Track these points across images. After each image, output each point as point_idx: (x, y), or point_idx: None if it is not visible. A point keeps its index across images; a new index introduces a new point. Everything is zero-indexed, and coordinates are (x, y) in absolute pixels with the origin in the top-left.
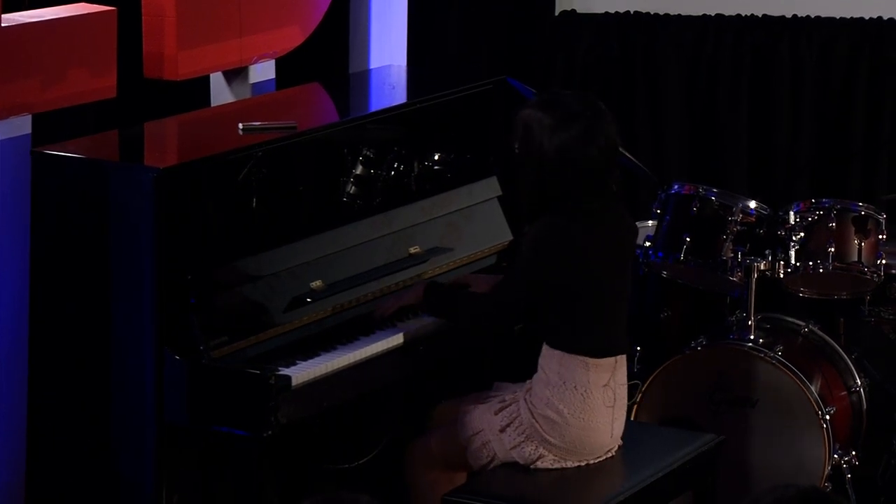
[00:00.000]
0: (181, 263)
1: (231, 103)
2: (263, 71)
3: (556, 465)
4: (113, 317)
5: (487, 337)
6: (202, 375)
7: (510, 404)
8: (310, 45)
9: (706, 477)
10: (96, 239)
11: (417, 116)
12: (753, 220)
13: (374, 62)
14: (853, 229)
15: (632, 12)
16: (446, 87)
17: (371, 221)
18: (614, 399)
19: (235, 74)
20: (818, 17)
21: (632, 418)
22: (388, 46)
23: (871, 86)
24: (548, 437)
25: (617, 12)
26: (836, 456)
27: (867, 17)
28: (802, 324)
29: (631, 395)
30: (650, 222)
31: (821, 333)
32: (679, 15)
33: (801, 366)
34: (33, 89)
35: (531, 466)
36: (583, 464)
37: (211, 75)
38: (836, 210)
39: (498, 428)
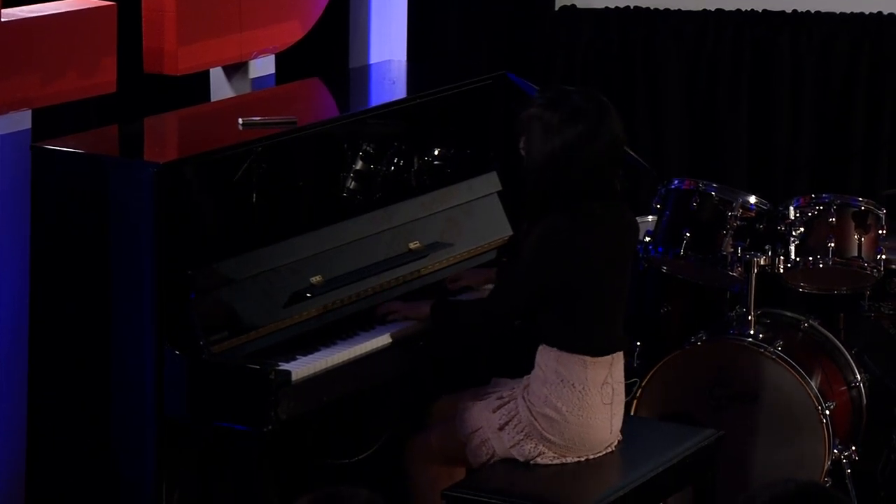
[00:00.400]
0: (181, 259)
1: (231, 98)
2: (263, 66)
3: (556, 461)
4: (113, 312)
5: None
6: (202, 371)
7: (508, 402)
8: (310, 41)
9: (706, 472)
10: (96, 234)
11: (417, 112)
12: (753, 215)
13: (374, 57)
14: (853, 224)
15: (632, 7)
16: (446, 82)
17: (371, 217)
18: (612, 396)
19: (235, 69)
20: (818, 13)
21: (632, 413)
22: (388, 41)
23: (871, 81)
24: (547, 435)
25: (617, 7)
26: (835, 451)
27: (867, 13)
28: (802, 319)
29: (629, 393)
30: (650, 217)
31: (821, 329)
32: (679, 10)
33: (801, 361)
34: (33, 84)
35: (531, 462)
36: (582, 459)
37: (211, 70)
38: (836, 205)
39: (497, 426)
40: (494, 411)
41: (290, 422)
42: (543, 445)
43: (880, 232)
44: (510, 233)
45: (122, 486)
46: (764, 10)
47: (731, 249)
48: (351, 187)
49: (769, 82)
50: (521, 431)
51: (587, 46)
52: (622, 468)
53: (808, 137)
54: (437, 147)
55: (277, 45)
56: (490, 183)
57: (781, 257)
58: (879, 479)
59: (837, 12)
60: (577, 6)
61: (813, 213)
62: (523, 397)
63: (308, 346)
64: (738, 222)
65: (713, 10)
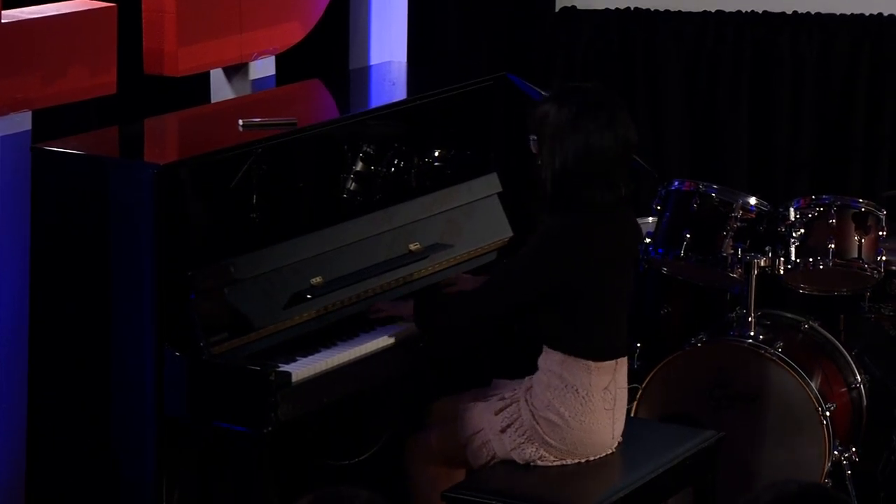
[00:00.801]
0: (181, 260)
1: (231, 100)
2: (263, 67)
3: (556, 463)
4: (113, 313)
5: (486, 334)
6: (202, 372)
7: (511, 404)
8: (310, 42)
9: (706, 473)
10: (96, 235)
11: (417, 113)
12: (753, 216)
13: (375, 58)
14: (853, 226)
15: (632, 8)
16: (446, 83)
17: (371, 218)
18: (614, 402)
19: (235, 71)
20: (818, 14)
21: (632, 415)
22: (388, 43)
23: (871, 82)
24: (548, 439)
25: (617, 8)
26: (836, 452)
27: (867, 14)
28: (802, 320)
29: (630, 398)
30: (650, 219)
31: (821, 330)
32: (679, 11)
33: (801, 362)
34: (33, 85)
35: (531, 464)
36: (583, 461)
37: (211, 71)
38: (836, 206)
39: (498, 428)
40: (496, 413)
41: (290, 423)
42: (544, 449)
43: (880, 233)
44: (510, 234)
45: (122, 486)
46: (764, 12)
47: (732, 251)
48: (351, 188)
49: (769, 83)
50: (523, 434)
51: (587, 47)
52: (622, 469)
53: (809, 139)
54: (438, 148)
55: (278, 47)
56: (490, 184)
57: (782, 258)
58: (880, 480)
59: (838, 13)
60: (578, 7)
61: (813, 215)
62: (526, 400)
63: (308, 347)
64: (739, 223)
65: (713, 11)
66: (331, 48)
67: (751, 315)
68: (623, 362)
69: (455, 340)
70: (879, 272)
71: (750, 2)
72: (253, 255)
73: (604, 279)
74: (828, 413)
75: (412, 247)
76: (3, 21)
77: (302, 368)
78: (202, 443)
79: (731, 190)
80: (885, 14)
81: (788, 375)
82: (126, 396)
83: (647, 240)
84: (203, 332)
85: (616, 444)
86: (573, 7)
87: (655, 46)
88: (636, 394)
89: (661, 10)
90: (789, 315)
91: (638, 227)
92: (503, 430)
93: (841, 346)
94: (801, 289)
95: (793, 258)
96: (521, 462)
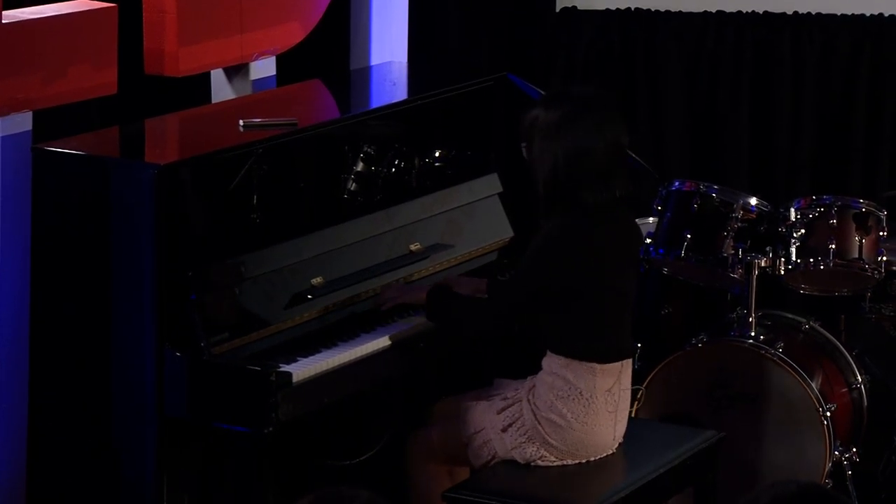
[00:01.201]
0: (182, 260)
1: (232, 100)
2: (264, 67)
3: (557, 463)
4: (113, 313)
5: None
6: (203, 372)
7: (513, 404)
8: (311, 42)
9: (707, 473)
10: (97, 235)
11: (418, 113)
12: (754, 216)
13: (375, 59)
14: (854, 226)
15: (632, 8)
16: (447, 83)
17: (372, 218)
18: (617, 403)
19: (236, 71)
20: (819, 14)
21: (632, 415)
22: (388, 43)
23: (872, 82)
24: (550, 440)
25: (618, 8)
26: (836, 453)
27: (868, 14)
28: (803, 320)
29: (631, 400)
30: (651, 219)
31: (821, 330)
32: (680, 11)
33: (801, 362)
34: (34, 85)
35: (531, 464)
36: (583, 461)
37: (211, 72)
38: (836, 207)
39: (500, 427)
40: (498, 413)
41: (290, 423)
42: (545, 449)
43: (881, 233)
44: (511, 234)
45: (123, 485)
46: (765, 12)
47: (732, 251)
48: (352, 189)
49: (770, 84)
50: (524, 434)
51: (588, 48)
52: (623, 469)
53: (809, 139)
54: (438, 149)
55: (278, 47)
56: (491, 184)
57: (782, 259)
58: (880, 481)
59: (838, 14)
60: (578, 7)
61: (814, 215)
62: (528, 400)
63: (309, 347)
64: (739, 224)
65: (714, 11)
66: (331, 48)
67: (751, 315)
68: (628, 364)
69: (458, 335)
70: (880, 272)
71: (750, 2)
72: (254, 256)
73: (605, 280)
74: (828, 413)
75: (413, 247)
76: (3, 21)
77: (303, 368)
78: (203, 443)
79: (731, 190)
80: (886, 14)
81: (789, 376)
82: (127, 396)
83: (648, 240)
84: (203, 332)
85: (617, 445)
86: (574, 7)
87: (656, 47)
88: (637, 395)
89: (662, 10)
90: (790, 315)
91: (638, 229)
92: (504, 430)
93: (841, 347)
94: (802, 289)
95: (793, 258)
96: (521, 462)
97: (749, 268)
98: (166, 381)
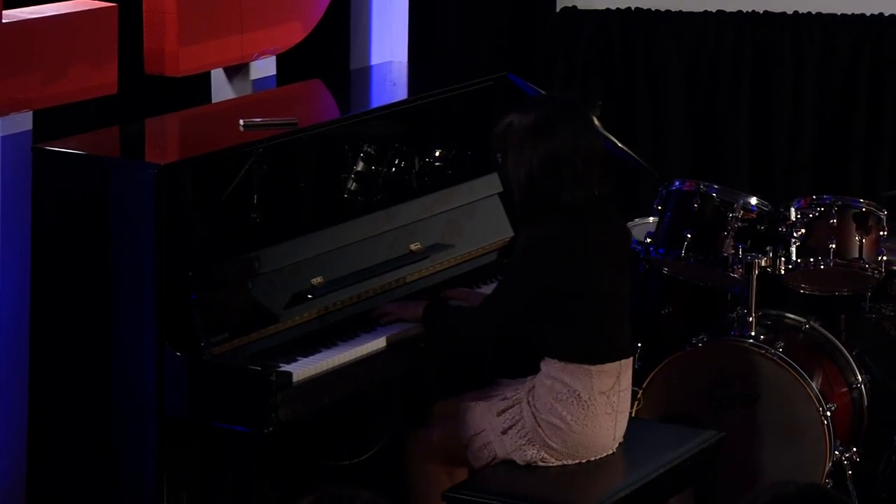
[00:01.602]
0: (182, 260)
1: (232, 100)
2: (264, 67)
3: (557, 464)
4: (113, 313)
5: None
6: (203, 372)
7: (513, 405)
8: (311, 42)
9: (707, 473)
10: (97, 235)
11: (418, 113)
12: (754, 216)
13: (375, 59)
14: (854, 226)
15: (632, 8)
16: (447, 83)
17: (372, 218)
18: (617, 405)
19: (236, 71)
20: (819, 14)
21: (632, 415)
22: (388, 43)
23: (872, 82)
24: (550, 442)
25: (618, 8)
26: (836, 452)
27: (868, 14)
28: (803, 320)
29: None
30: (651, 219)
31: (822, 330)
32: (680, 11)
33: (802, 362)
34: (34, 85)
35: (532, 464)
36: (584, 461)
37: (212, 72)
38: (837, 206)
39: (500, 430)
40: (499, 414)
41: (291, 423)
42: (546, 451)
43: (881, 233)
44: (511, 234)
45: (123, 485)
46: (765, 12)
47: (732, 251)
48: (352, 188)
49: (770, 83)
50: (525, 437)
51: (588, 47)
52: (623, 470)
53: (809, 139)
54: (438, 148)
55: (278, 47)
56: (491, 184)
57: (782, 259)
58: (881, 481)
59: (838, 13)
60: (578, 7)
61: (814, 215)
62: (528, 402)
63: (309, 347)
64: (739, 223)
65: (714, 11)
66: (332, 48)
67: (751, 315)
68: (627, 364)
69: (457, 348)
70: (880, 272)
71: (751, 2)
72: (254, 255)
73: (592, 282)
74: (828, 413)
75: (413, 247)
76: (3, 21)
77: (303, 368)
78: (203, 443)
79: (731, 190)
80: (886, 14)
81: (789, 376)
82: (127, 396)
83: (648, 240)
84: (204, 332)
85: (617, 445)
86: (574, 7)
87: (656, 46)
88: (636, 396)
89: (662, 10)
90: (790, 315)
91: (624, 225)
92: (504, 432)
93: (842, 347)
94: (802, 289)
95: (793, 258)
96: (521, 463)
97: (749, 267)
98: (166, 380)
